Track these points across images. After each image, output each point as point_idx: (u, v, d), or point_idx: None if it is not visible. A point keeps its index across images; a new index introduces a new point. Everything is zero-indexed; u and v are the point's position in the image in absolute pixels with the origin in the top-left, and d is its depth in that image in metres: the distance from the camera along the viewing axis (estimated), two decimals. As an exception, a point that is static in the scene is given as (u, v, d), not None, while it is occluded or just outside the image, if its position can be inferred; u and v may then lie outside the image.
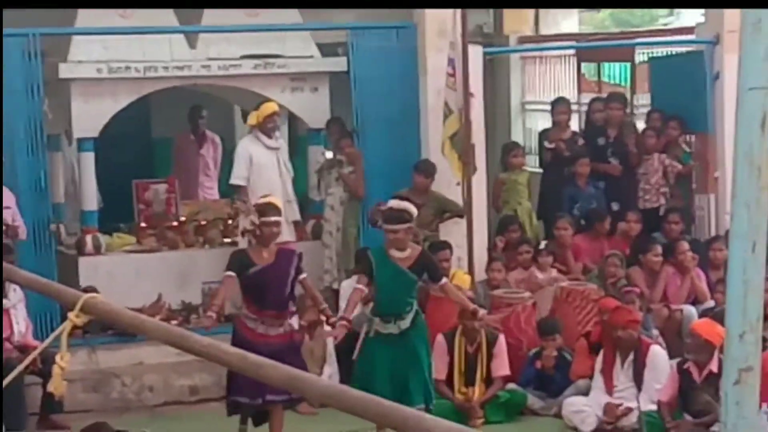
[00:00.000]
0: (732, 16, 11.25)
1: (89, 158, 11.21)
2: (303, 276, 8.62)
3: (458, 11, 10.78)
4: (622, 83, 14.18)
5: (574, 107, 13.54)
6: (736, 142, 2.76)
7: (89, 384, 10.09)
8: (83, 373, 9.96)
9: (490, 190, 12.00)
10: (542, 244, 11.64)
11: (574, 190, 12.11)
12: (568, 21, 16.05)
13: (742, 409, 2.76)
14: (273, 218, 8.52)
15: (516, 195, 12.10)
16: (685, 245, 11.15)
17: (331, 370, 10.10)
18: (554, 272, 11.16)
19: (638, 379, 9.41)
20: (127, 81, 11.15)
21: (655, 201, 12.20)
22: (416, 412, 2.84)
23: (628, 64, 13.87)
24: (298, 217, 11.45)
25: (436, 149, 11.01)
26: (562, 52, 14.84)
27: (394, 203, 8.74)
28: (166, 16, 11.47)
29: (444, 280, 8.83)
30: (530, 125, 15.27)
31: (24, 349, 9.24)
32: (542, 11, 15.43)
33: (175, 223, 11.83)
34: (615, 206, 12.11)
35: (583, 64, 14.53)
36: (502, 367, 9.83)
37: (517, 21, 15.21)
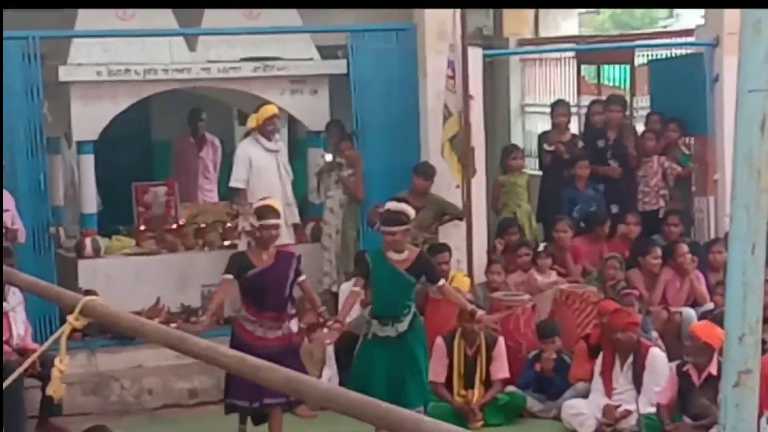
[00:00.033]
0: (732, 18, 11.25)
1: (89, 161, 11.20)
2: (302, 278, 8.62)
3: (458, 14, 10.79)
4: (622, 85, 14.18)
5: (573, 110, 13.55)
6: (736, 144, 2.76)
7: (88, 387, 10.08)
8: (82, 376, 9.95)
9: (490, 192, 12.00)
10: (541, 247, 11.65)
11: (573, 193, 12.11)
12: (568, 23, 16.06)
13: (742, 411, 2.75)
14: (272, 221, 8.52)
15: (515, 197, 12.10)
16: (685, 248, 11.15)
17: (330, 373, 10.09)
18: (554, 274, 11.16)
19: (637, 382, 9.41)
20: (126, 84, 11.15)
21: (654, 203, 12.20)
22: (415, 414, 2.84)
23: (628, 67, 13.87)
24: (297, 219, 11.45)
25: (436, 152, 11.01)
26: (562, 54, 14.84)
27: (391, 205, 8.75)
28: (166, 19, 11.48)
29: (442, 281, 8.83)
30: (530, 128, 15.28)
31: (23, 352, 9.23)
32: (542, 13, 15.43)
33: (174, 226, 11.83)
34: (614, 209, 12.11)
35: (582, 67, 14.53)
36: (501, 369, 9.82)
37: (517, 23, 15.22)
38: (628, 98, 13.49)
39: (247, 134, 11.46)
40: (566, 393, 9.81)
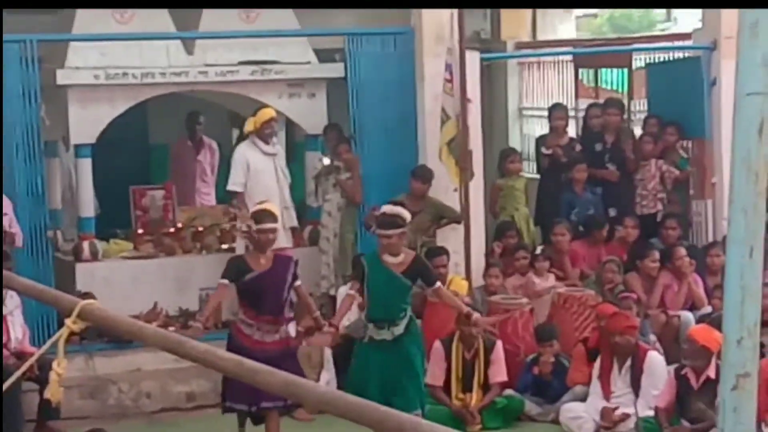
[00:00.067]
0: (729, 21, 11.26)
1: (86, 164, 11.20)
2: (297, 283, 8.62)
3: (455, 17, 10.79)
4: (620, 89, 14.19)
5: (571, 113, 13.54)
6: (734, 147, 2.76)
7: (86, 390, 10.07)
8: (80, 379, 9.95)
9: (488, 195, 12.00)
10: (538, 250, 11.65)
11: (571, 196, 12.11)
12: (566, 26, 16.07)
13: (740, 415, 2.75)
14: (269, 225, 8.52)
15: (513, 201, 12.11)
16: (683, 251, 11.14)
17: (328, 376, 10.09)
18: (551, 277, 11.16)
19: (635, 385, 9.41)
20: (124, 87, 11.15)
21: (652, 207, 12.20)
22: (413, 417, 2.84)
23: (626, 70, 13.88)
24: (295, 223, 11.44)
25: (434, 155, 11.01)
26: (560, 57, 14.85)
27: (387, 209, 8.75)
28: (164, 22, 11.47)
29: (438, 284, 8.83)
30: (527, 131, 15.28)
31: (21, 356, 9.23)
32: (539, 17, 15.44)
33: (172, 229, 11.82)
34: (612, 212, 12.11)
35: (580, 70, 14.54)
36: (499, 373, 9.82)
37: (515, 27, 15.23)
38: (625, 102, 13.50)
39: (239, 137, 11.44)
40: (564, 396, 9.80)
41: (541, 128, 14.03)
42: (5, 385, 4.00)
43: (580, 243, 11.72)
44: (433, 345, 9.72)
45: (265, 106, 11.35)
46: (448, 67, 10.81)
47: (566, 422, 9.55)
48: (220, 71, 11.45)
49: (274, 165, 11.17)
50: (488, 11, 14.98)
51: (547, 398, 9.95)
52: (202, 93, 12.12)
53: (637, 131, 12.81)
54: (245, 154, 11.11)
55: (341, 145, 11.55)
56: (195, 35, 11.63)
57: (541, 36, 15.55)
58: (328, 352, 10.12)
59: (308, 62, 11.84)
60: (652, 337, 10.37)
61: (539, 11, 15.48)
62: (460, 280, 10.75)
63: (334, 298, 10.97)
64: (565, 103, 13.63)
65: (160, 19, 11.46)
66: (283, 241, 10.68)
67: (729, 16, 11.25)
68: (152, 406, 10.25)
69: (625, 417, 9.32)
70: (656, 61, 13.48)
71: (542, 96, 15.15)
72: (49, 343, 3.76)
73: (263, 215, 8.57)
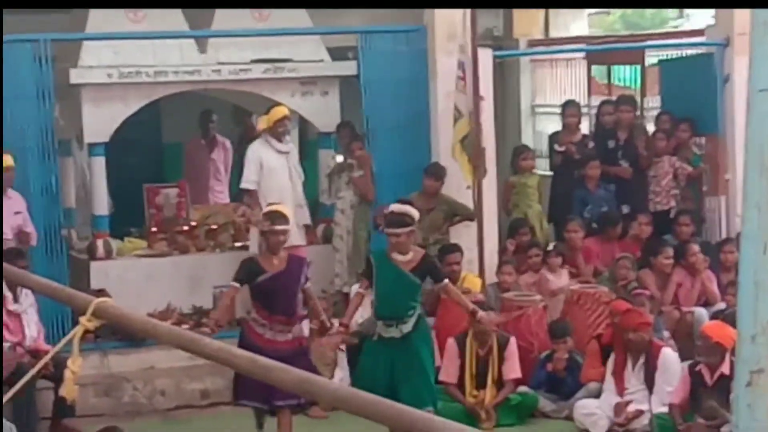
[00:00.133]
0: (742, 18, 11.24)
1: (100, 163, 11.23)
2: (307, 285, 8.63)
3: (468, 15, 10.78)
4: (632, 86, 14.17)
5: (584, 110, 13.54)
6: (747, 143, 2.75)
7: (101, 388, 10.09)
8: (95, 377, 9.96)
9: (501, 193, 11.99)
10: (550, 246, 11.64)
11: (584, 193, 12.10)
12: (578, 24, 16.04)
13: (754, 411, 2.75)
14: (280, 227, 8.52)
15: (526, 198, 12.09)
16: (696, 247, 11.13)
17: (342, 374, 10.09)
18: (565, 273, 11.15)
19: (649, 382, 9.40)
20: (137, 86, 11.17)
21: (665, 203, 12.19)
22: (427, 414, 2.84)
23: (638, 67, 13.86)
24: (308, 221, 11.45)
25: (447, 152, 11.01)
26: (572, 55, 14.84)
27: (395, 207, 8.76)
28: (176, 21, 11.49)
29: (446, 281, 8.83)
30: (540, 128, 15.27)
31: (36, 354, 9.25)
32: (552, 14, 15.43)
33: (185, 228, 11.84)
34: (625, 209, 12.10)
35: (593, 67, 14.52)
36: (513, 370, 9.82)
37: (527, 24, 15.20)
38: (638, 98, 13.49)
39: (243, 134, 11.35)
40: (578, 393, 9.79)
41: (554, 125, 14.01)
42: (20, 384, 4.02)
43: (594, 240, 11.71)
44: (447, 342, 9.73)
45: (278, 104, 11.36)
46: (461, 65, 10.81)
47: (580, 419, 9.54)
48: (233, 70, 11.47)
49: (287, 163, 11.17)
50: (500, 8, 14.96)
51: (561, 395, 9.94)
52: (215, 91, 12.13)
53: (650, 128, 12.79)
54: (258, 152, 11.11)
55: (354, 142, 11.55)
56: (208, 34, 11.64)
57: (554, 33, 15.53)
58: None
59: (321, 60, 11.85)
60: (666, 334, 10.36)
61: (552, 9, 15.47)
62: (473, 277, 10.75)
63: (347, 296, 10.96)
64: (577, 100, 13.61)
65: (173, 18, 11.48)
66: (297, 238, 10.70)
67: (742, 12, 11.22)
68: (167, 404, 10.26)
69: (639, 413, 9.31)
70: (669, 57, 13.46)
71: (555, 93, 15.13)
72: (63, 341, 3.76)
73: (274, 216, 8.58)
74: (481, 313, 9.09)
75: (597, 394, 9.64)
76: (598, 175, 12.07)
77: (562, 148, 12.35)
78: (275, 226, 8.49)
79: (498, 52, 12.67)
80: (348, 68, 11.82)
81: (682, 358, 9.66)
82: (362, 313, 9.61)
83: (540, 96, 15.50)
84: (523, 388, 9.92)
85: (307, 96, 11.79)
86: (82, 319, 3.66)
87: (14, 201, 10.24)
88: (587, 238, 11.62)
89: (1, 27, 9.79)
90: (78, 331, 3.67)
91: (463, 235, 11.13)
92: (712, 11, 13.09)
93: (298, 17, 11.90)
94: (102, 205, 11.32)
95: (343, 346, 9.98)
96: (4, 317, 9.37)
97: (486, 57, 11.24)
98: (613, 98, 13.26)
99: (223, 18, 11.67)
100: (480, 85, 10.80)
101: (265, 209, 9.01)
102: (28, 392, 8.80)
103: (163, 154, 14.82)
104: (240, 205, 11.80)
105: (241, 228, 11.74)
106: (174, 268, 11.37)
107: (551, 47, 15.31)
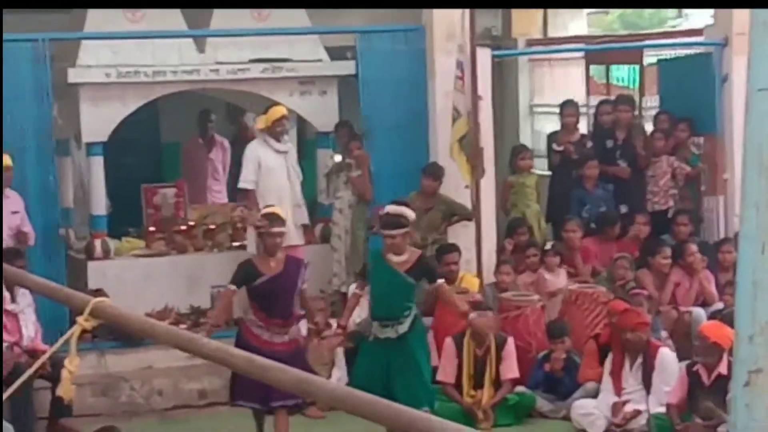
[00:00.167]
0: (741, 18, 11.24)
1: (98, 162, 11.22)
2: (303, 287, 8.63)
3: (466, 14, 10.78)
4: (631, 85, 14.16)
5: (582, 110, 13.52)
6: (746, 143, 2.75)
7: (98, 388, 10.09)
8: (92, 377, 9.96)
9: (499, 193, 11.99)
10: (548, 245, 11.64)
11: (582, 193, 12.10)
12: (577, 23, 16.04)
13: (752, 411, 2.74)
14: (276, 229, 8.52)
15: (524, 198, 12.09)
16: (694, 247, 11.14)
17: (339, 374, 10.09)
18: (563, 273, 11.15)
19: (647, 382, 9.40)
20: (135, 85, 11.16)
21: (663, 203, 12.19)
22: (424, 414, 2.84)
23: (637, 67, 13.85)
24: (306, 220, 11.44)
25: (445, 152, 11.01)
26: (571, 54, 14.84)
27: (390, 208, 8.75)
28: (175, 21, 11.49)
29: (439, 282, 8.84)
30: (538, 128, 15.27)
31: (33, 354, 9.25)
32: (551, 14, 15.43)
33: (183, 227, 11.83)
34: (623, 209, 12.09)
35: (591, 67, 14.51)
36: (510, 369, 9.81)
37: (526, 24, 15.20)
38: (637, 98, 13.48)
39: (238, 135, 11.31)
40: (576, 393, 9.80)
41: (553, 125, 14.01)
42: (17, 383, 4.01)
43: (592, 240, 11.71)
44: (445, 341, 9.73)
45: (276, 103, 11.36)
46: (459, 65, 10.81)
47: (577, 419, 9.54)
48: (232, 69, 11.46)
49: (286, 163, 11.16)
50: (499, 8, 14.97)
51: (559, 395, 9.94)
52: (213, 91, 12.13)
53: (649, 128, 12.78)
54: (257, 151, 11.10)
55: (352, 142, 11.55)
56: (206, 33, 11.64)
57: (552, 33, 15.53)
58: (339, 350, 10.12)
59: (319, 60, 11.84)
60: (664, 334, 10.36)
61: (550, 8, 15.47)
62: (471, 277, 10.75)
63: (345, 296, 10.96)
64: (576, 99, 13.60)
65: (172, 17, 11.48)
66: (295, 238, 10.70)
67: (740, 12, 11.22)
68: (164, 404, 10.26)
69: (637, 414, 9.31)
70: (668, 57, 13.46)
71: (553, 93, 15.12)
72: (61, 340, 3.76)
73: (271, 218, 8.59)
74: (471, 316, 9.07)
75: (594, 394, 9.65)
76: (596, 175, 12.06)
77: (561, 148, 12.35)
78: (272, 228, 8.48)
79: (496, 52, 12.67)
80: (346, 68, 11.82)
81: (680, 358, 9.66)
82: (360, 314, 9.61)
83: (538, 96, 15.50)
84: (520, 388, 9.92)
85: (306, 95, 11.79)
86: (80, 319, 3.66)
87: (12, 201, 10.23)
88: (585, 237, 11.61)
89: (1, 27, 9.78)
90: (75, 330, 3.67)
91: (461, 234, 11.13)
92: (710, 11, 13.08)
93: (297, 17, 11.90)
94: (100, 204, 11.31)
95: (340, 346, 9.99)
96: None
97: (484, 57, 11.24)
98: (612, 98, 13.25)
99: (222, 18, 11.67)
100: (478, 84, 10.80)
101: (263, 211, 9.01)
102: (26, 392, 8.79)
103: (162, 153, 14.82)
104: (238, 205, 11.81)
105: (238, 228, 11.74)
106: (172, 267, 11.37)
107: (550, 47, 15.31)
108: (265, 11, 11.84)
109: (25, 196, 10.39)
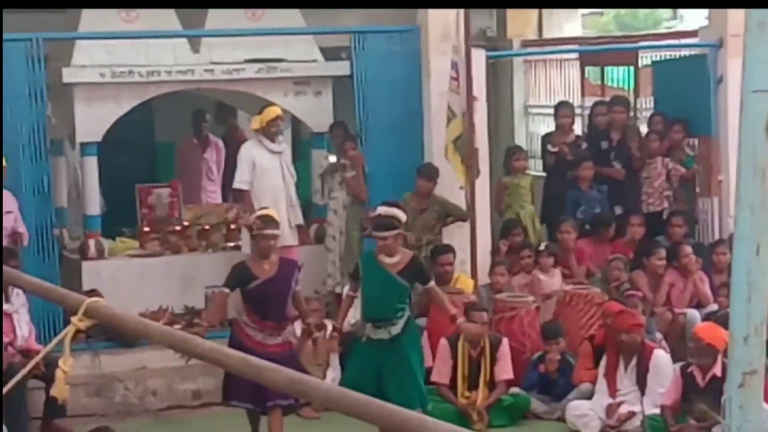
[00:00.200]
0: (735, 19, 11.25)
1: (92, 162, 11.20)
2: (297, 288, 8.62)
3: (461, 15, 10.78)
4: (626, 87, 14.17)
5: (577, 111, 13.54)
6: (740, 145, 2.75)
7: (92, 388, 10.08)
8: (86, 377, 9.95)
9: (493, 193, 11.99)
10: (542, 246, 11.64)
11: (577, 194, 12.10)
12: (572, 25, 16.06)
13: (747, 412, 2.75)
14: (270, 231, 8.51)
15: (519, 199, 12.09)
16: (689, 249, 11.14)
17: (334, 374, 10.08)
18: (557, 274, 11.15)
19: (642, 383, 9.40)
20: (130, 85, 11.15)
21: (658, 204, 12.19)
22: (418, 414, 2.84)
23: (632, 68, 13.86)
24: (301, 221, 11.43)
25: (440, 153, 11.01)
26: (566, 55, 14.84)
27: (382, 210, 8.75)
28: (170, 21, 11.48)
29: (431, 283, 8.84)
30: (533, 129, 15.28)
31: (27, 354, 9.23)
32: (545, 15, 15.44)
33: (178, 228, 11.82)
34: (618, 210, 12.10)
35: (586, 68, 14.52)
36: (505, 371, 9.81)
37: (521, 25, 15.22)
38: (631, 99, 13.48)
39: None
40: (570, 394, 9.80)
41: (547, 126, 14.02)
42: (11, 384, 4.00)
43: (587, 241, 11.71)
44: (440, 342, 9.72)
45: (270, 104, 11.35)
46: (454, 65, 10.81)
47: (572, 420, 9.54)
48: (226, 69, 11.45)
49: (280, 163, 11.16)
50: (494, 9, 14.97)
51: (553, 396, 9.94)
52: (207, 91, 12.12)
53: (643, 129, 12.80)
54: (251, 152, 11.10)
55: (347, 142, 11.54)
56: (201, 33, 11.63)
57: (547, 34, 15.54)
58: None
59: (314, 60, 11.83)
60: (658, 335, 10.36)
61: (545, 9, 15.47)
62: (465, 278, 10.75)
63: (339, 296, 10.96)
64: (571, 100, 13.62)
65: (166, 17, 11.46)
66: (289, 239, 10.70)
67: (735, 13, 11.23)
68: (158, 404, 10.26)
69: (631, 415, 9.32)
70: (662, 58, 13.47)
71: (548, 94, 15.14)
72: (55, 340, 3.75)
73: (265, 220, 8.58)
74: (459, 321, 9.05)
75: (589, 396, 9.65)
76: (591, 176, 12.06)
77: (555, 149, 12.36)
78: (265, 230, 8.47)
79: (491, 53, 12.67)
80: (341, 68, 11.81)
81: (675, 360, 9.66)
82: (354, 314, 9.61)
83: (533, 97, 15.50)
84: (515, 389, 9.92)
85: (300, 96, 11.78)
86: (74, 319, 3.65)
87: (6, 200, 10.22)
88: (580, 239, 11.62)
89: (1, 27, 9.78)
90: (69, 330, 3.66)
91: (455, 235, 11.12)
92: (705, 12, 13.10)
93: (292, 17, 11.89)
94: (94, 204, 11.30)
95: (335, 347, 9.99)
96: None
97: (479, 57, 11.24)
98: (607, 99, 13.26)
99: (217, 17, 11.65)
100: (473, 85, 10.80)
101: (257, 213, 9.01)
102: (19, 392, 8.78)
103: (156, 153, 14.81)
104: (232, 205, 11.80)
105: (233, 228, 11.72)
106: (166, 268, 11.35)
107: (545, 48, 15.32)
108: (260, 11, 11.83)
109: (19, 196, 10.38)
